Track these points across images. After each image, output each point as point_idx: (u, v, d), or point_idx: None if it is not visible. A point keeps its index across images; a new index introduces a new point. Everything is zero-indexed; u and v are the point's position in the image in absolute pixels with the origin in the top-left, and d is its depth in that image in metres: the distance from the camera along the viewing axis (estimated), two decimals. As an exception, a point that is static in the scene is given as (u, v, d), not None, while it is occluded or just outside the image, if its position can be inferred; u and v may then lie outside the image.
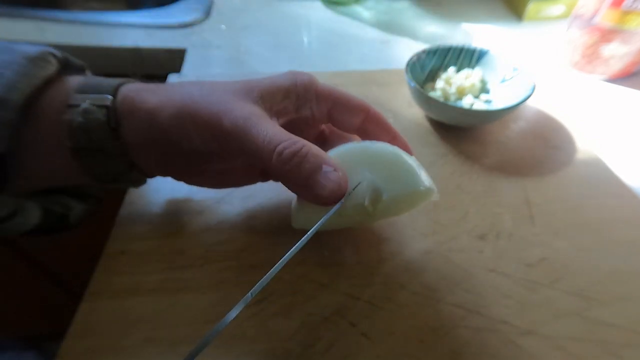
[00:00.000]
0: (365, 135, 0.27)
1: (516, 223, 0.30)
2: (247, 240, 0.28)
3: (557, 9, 0.57)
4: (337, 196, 0.20)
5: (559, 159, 0.36)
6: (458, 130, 0.38)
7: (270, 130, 0.20)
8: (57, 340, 0.23)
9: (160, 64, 0.49)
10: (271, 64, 0.48)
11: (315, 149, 0.21)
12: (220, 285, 0.26)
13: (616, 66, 0.45)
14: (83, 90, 0.22)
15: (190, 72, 0.46)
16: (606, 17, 0.42)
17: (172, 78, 0.43)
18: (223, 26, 0.54)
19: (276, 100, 0.24)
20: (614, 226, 0.30)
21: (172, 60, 0.49)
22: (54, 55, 0.23)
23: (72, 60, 0.25)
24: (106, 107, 0.22)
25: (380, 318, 0.24)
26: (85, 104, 0.21)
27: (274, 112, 0.24)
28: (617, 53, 0.44)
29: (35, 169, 0.23)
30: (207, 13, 0.57)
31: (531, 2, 0.56)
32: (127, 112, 0.22)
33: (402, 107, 0.41)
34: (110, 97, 0.22)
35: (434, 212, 0.31)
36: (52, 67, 0.22)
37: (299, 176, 0.20)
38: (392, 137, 0.26)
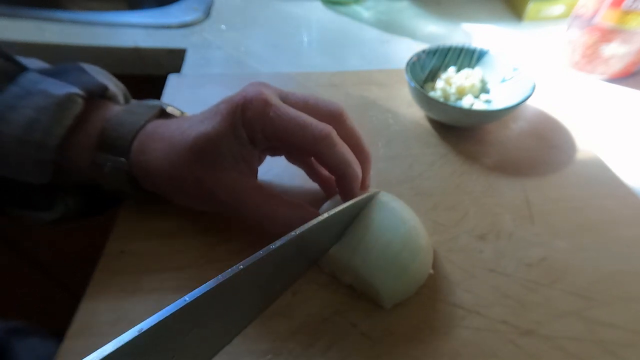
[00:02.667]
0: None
1: (516, 223, 0.30)
2: (248, 241, 0.28)
3: (557, 9, 0.57)
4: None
5: (559, 159, 0.36)
6: (458, 130, 0.38)
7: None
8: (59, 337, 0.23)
9: (160, 64, 0.49)
10: (271, 64, 0.48)
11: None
12: (220, 285, 0.26)
13: (616, 66, 0.45)
14: (104, 141, 0.25)
15: (190, 72, 0.46)
16: (606, 17, 0.42)
17: (172, 78, 0.43)
18: (223, 26, 0.54)
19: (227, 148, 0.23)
20: (614, 226, 0.30)
21: (172, 60, 0.49)
22: (79, 95, 0.25)
23: (94, 88, 0.26)
24: (124, 170, 0.25)
25: (380, 318, 0.24)
26: (107, 167, 0.25)
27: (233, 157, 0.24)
28: (617, 53, 0.44)
29: (71, 181, 0.29)
30: (207, 13, 0.57)
31: (531, 2, 0.56)
32: (140, 174, 0.26)
33: (402, 107, 0.41)
34: (124, 160, 0.25)
35: (434, 212, 0.31)
36: (79, 106, 0.25)
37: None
38: (358, 152, 0.26)
